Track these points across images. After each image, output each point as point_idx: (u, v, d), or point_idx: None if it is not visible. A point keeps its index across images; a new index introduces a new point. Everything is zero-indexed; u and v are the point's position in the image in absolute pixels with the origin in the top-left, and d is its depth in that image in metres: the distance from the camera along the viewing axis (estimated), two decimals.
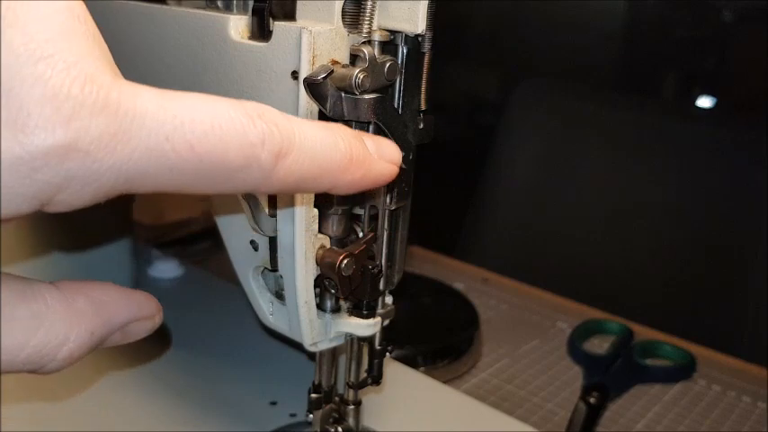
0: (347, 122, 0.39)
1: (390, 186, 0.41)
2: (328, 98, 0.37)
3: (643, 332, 0.79)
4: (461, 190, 1.13)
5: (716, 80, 1.20)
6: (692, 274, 0.98)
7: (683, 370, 0.73)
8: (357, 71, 0.36)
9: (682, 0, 1.24)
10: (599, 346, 0.77)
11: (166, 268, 0.67)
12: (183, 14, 0.42)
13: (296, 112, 0.38)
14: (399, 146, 0.40)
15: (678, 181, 1.01)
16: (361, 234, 0.43)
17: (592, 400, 0.66)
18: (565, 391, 0.69)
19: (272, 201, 0.40)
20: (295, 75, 0.37)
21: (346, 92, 0.37)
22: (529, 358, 0.74)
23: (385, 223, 0.41)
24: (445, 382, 0.68)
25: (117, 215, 0.61)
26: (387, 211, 0.41)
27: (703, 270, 0.98)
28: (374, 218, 0.42)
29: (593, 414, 0.64)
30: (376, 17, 0.38)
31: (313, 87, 0.36)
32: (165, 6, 0.43)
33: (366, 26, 0.38)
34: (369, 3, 0.37)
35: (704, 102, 1.26)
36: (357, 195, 0.41)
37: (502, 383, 0.69)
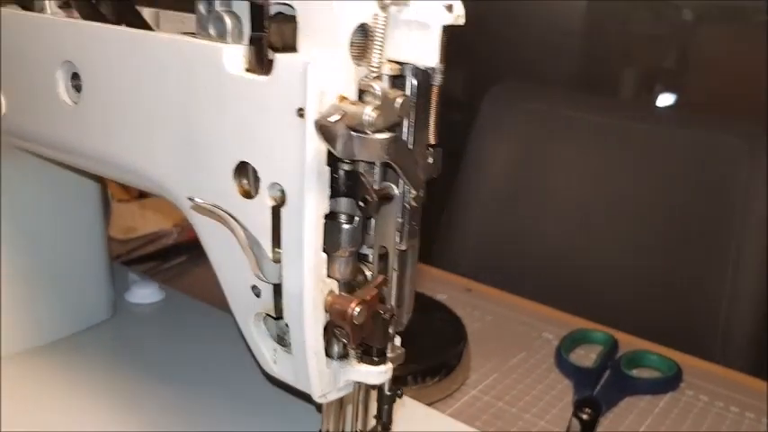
0: (355, 162, 0.36)
1: (401, 225, 0.39)
2: (338, 138, 0.34)
3: (626, 340, 0.79)
4: (439, 196, 1.11)
5: (689, 83, 1.21)
6: (673, 281, 0.99)
7: (671, 381, 0.73)
8: (369, 109, 0.34)
9: (645, 1, 1.24)
10: (586, 356, 0.77)
11: (146, 293, 0.64)
12: (170, 42, 0.39)
13: (303, 152, 0.35)
14: (411, 184, 0.38)
15: (658, 186, 1.01)
16: (368, 273, 0.40)
17: (584, 416, 0.65)
18: (556, 406, 0.68)
19: (276, 241, 0.38)
20: (301, 112, 0.35)
21: (356, 130, 0.34)
22: (517, 372, 0.73)
23: (395, 264, 0.39)
24: (437, 401, 0.67)
25: (92, 242, 0.58)
26: (397, 252, 0.39)
27: (684, 277, 0.98)
28: (382, 257, 0.40)
29: (587, 430, 0.64)
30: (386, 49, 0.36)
31: (324, 129, 0.33)
32: (150, 33, 0.40)
33: (377, 59, 0.35)
34: (379, 35, 0.35)
35: (677, 104, 1.26)
36: (366, 236, 0.39)
37: (493, 400, 0.68)
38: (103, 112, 0.42)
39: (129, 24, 0.50)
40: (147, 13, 0.51)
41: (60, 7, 0.48)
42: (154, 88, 0.39)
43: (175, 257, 0.80)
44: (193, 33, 0.40)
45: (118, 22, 0.50)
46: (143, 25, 0.50)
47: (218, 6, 0.37)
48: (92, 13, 0.49)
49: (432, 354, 0.70)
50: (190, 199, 0.36)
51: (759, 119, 1.15)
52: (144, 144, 0.41)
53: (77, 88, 0.43)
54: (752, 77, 1.15)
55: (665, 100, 1.31)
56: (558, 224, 1.05)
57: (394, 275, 0.40)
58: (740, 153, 0.98)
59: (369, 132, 0.34)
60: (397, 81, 0.37)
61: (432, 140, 0.39)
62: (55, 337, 0.57)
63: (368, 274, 0.40)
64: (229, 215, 0.36)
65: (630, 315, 0.91)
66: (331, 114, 0.33)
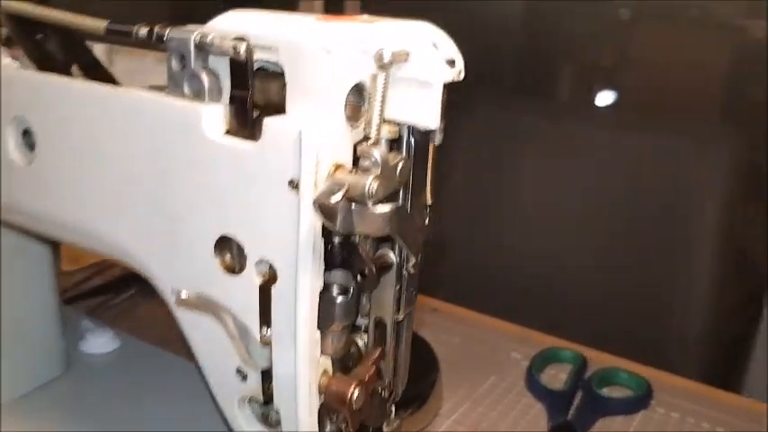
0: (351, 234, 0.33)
1: (398, 294, 0.36)
2: (338, 213, 0.31)
3: (595, 356, 0.78)
4: None
5: (635, 84, 1.21)
6: (631, 289, 0.99)
7: (642, 400, 0.73)
8: (370, 179, 0.31)
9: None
10: (556, 376, 0.76)
11: (101, 342, 0.59)
12: (140, 101, 0.35)
13: (295, 227, 0.32)
14: (411, 251, 0.35)
15: (612, 193, 1.00)
16: (360, 343, 0.37)
17: None
18: None
19: (265, 321, 0.34)
20: (294, 184, 0.31)
21: (356, 201, 0.31)
22: (490, 398, 0.72)
23: (392, 334, 0.36)
24: None
25: (42, 293, 0.53)
26: (394, 322, 0.36)
27: (642, 284, 0.99)
28: (377, 325, 0.37)
29: None
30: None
31: (325, 208, 0.30)
32: (116, 88, 0.36)
33: (375, 124, 0.32)
34: (378, 98, 0.31)
35: (625, 108, 1.26)
36: (362, 307, 0.36)
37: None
38: (62, 173, 0.37)
39: (80, 63, 0.45)
40: (99, 48, 0.46)
41: (4, 44, 0.43)
42: (121, 151, 0.35)
43: (125, 290, 0.75)
44: (161, 87, 0.36)
45: (67, 61, 0.45)
46: (95, 63, 0.46)
47: (193, 63, 0.33)
48: (37, 52, 0.44)
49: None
50: (175, 293, 0.32)
51: (707, 120, 1.16)
52: (110, 211, 0.36)
53: (30, 146, 0.38)
54: (703, 78, 1.15)
55: (612, 102, 1.31)
56: (516, 235, 1.04)
57: (391, 347, 0.37)
58: (689, 155, 0.98)
59: (370, 204, 0.31)
60: (394, 141, 0.34)
61: (429, 200, 0.36)
62: (4, 399, 0.52)
63: (360, 343, 0.37)
64: (218, 306, 0.32)
65: (594, 325, 0.91)
66: (333, 192, 0.30)
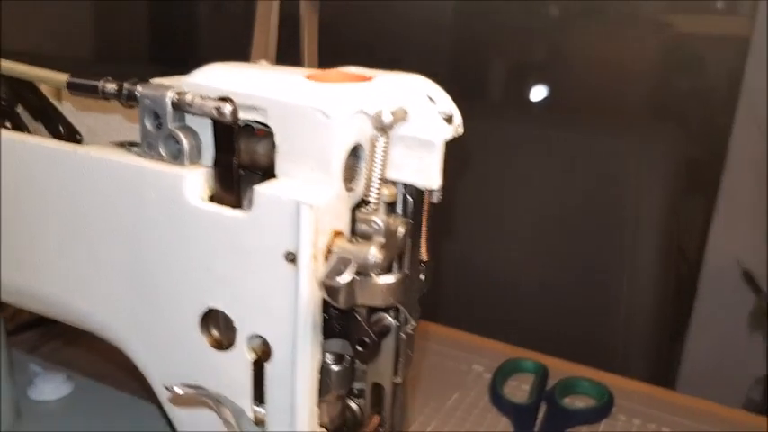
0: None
1: (396, 357, 0.34)
2: (342, 290, 0.29)
3: (555, 365, 0.78)
4: None
5: (571, 83, 1.21)
6: (579, 291, 1.00)
7: (605, 408, 0.73)
8: (373, 250, 0.29)
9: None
10: (519, 388, 0.75)
11: (51, 388, 0.55)
12: (115, 164, 0.32)
13: (293, 302, 0.29)
14: (411, 315, 0.33)
15: (556, 194, 1.01)
16: (353, 406, 0.35)
17: None
18: None
19: (258, 398, 0.32)
20: (291, 257, 0.29)
21: (359, 273, 0.29)
22: (456, 416, 0.71)
23: (390, 398, 0.35)
24: None
25: None
26: (393, 385, 0.34)
27: (588, 286, 0.99)
28: (374, 387, 0.35)
29: None
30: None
31: (331, 289, 0.28)
32: (83, 148, 0.32)
33: (375, 191, 0.30)
34: (379, 163, 0.29)
35: (558, 107, 1.27)
36: (358, 372, 0.34)
37: None
38: (23, 239, 0.34)
39: (27, 103, 0.41)
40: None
41: None
42: (89, 217, 0.32)
43: None
44: (132, 143, 0.33)
45: (14, 101, 0.41)
46: (43, 103, 0.42)
47: (170, 123, 0.30)
48: None
49: None
50: (169, 389, 0.30)
51: (642, 116, 1.17)
52: (78, 282, 0.33)
53: None
54: (637, 75, 1.17)
55: (547, 102, 1.32)
56: (463, 244, 1.04)
57: (388, 410, 0.35)
58: (629, 154, 0.99)
59: (373, 275, 0.29)
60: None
61: (425, 257, 0.35)
62: None
63: (354, 406, 0.36)
64: (215, 397, 0.30)
65: (546, 330, 0.91)
66: (339, 272, 0.27)
